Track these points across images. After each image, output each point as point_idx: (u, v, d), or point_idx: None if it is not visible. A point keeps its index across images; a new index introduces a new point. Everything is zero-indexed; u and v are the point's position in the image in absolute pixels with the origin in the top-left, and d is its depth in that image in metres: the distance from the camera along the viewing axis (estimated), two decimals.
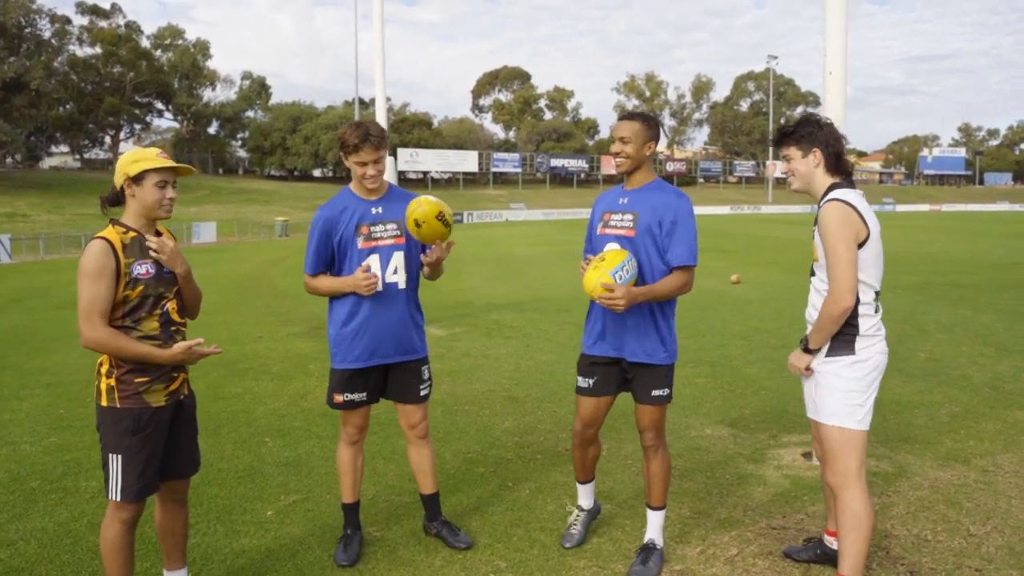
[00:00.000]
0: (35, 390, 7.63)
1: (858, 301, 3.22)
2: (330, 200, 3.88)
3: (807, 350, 3.34)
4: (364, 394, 3.92)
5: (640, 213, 3.63)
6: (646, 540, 3.85)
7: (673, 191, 3.68)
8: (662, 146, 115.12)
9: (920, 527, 4.15)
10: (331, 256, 3.82)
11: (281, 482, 4.97)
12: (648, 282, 3.61)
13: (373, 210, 3.82)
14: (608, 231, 3.72)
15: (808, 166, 3.36)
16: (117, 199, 3.17)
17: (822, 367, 3.32)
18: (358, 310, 3.80)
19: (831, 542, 3.72)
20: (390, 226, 3.83)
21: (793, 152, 3.39)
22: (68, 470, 5.23)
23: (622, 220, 3.68)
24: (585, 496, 4.17)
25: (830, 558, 3.69)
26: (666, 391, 3.75)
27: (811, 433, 3.79)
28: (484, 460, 5.35)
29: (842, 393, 3.26)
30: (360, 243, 3.78)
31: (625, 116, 3.68)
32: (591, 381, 3.83)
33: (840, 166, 3.35)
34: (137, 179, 3.09)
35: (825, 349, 3.30)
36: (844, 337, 3.26)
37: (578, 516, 4.13)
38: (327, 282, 3.82)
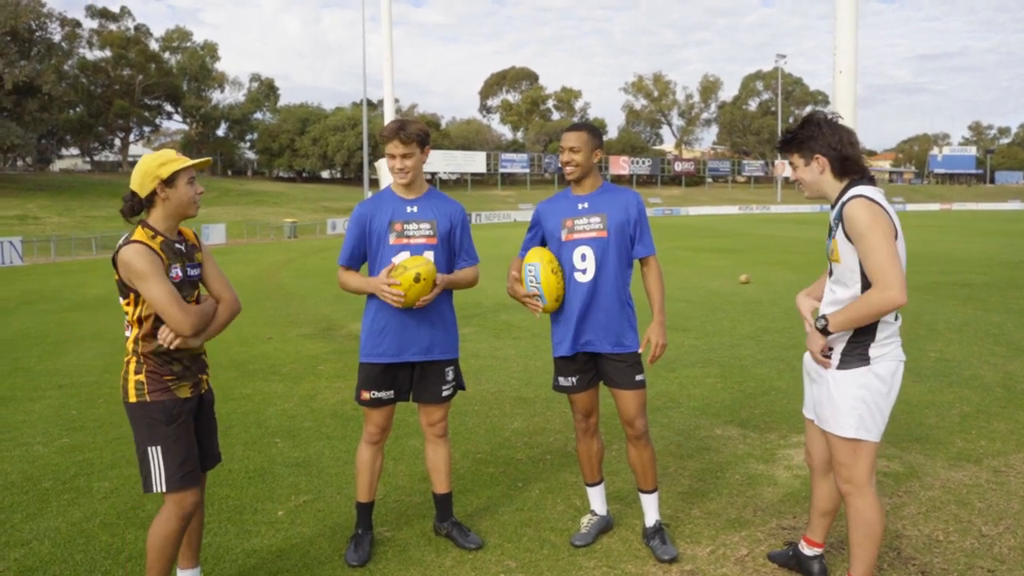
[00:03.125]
0: (47, 392, 7.68)
1: None
2: (371, 196, 4.00)
3: (825, 331, 3.13)
4: (391, 392, 3.94)
5: (608, 214, 3.86)
6: (653, 523, 3.99)
7: (628, 191, 3.98)
8: (670, 146, 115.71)
9: (932, 527, 4.13)
10: (364, 251, 3.90)
11: (291, 482, 4.99)
12: (612, 274, 3.85)
13: (408, 208, 3.89)
14: (576, 236, 3.88)
15: (813, 174, 3.20)
16: (138, 208, 3.16)
17: (834, 377, 3.17)
18: (391, 306, 3.82)
19: (805, 547, 3.64)
20: (424, 225, 3.88)
21: (796, 160, 3.23)
22: (80, 470, 5.26)
23: (589, 223, 3.87)
24: (597, 500, 4.19)
25: (802, 566, 3.63)
26: (643, 375, 3.92)
27: (805, 437, 3.69)
28: (494, 460, 5.36)
29: (860, 403, 3.11)
30: (392, 239, 3.84)
31: (572, 127, 3.91)
32: (574, 379, 3.98)
33: (848, 168, 3.15)
34: (169, 181, 3.12)
35: (837, 360, 3.16)
36: (857, 347, 3.12)
37: (591, 519, 4.15)
38: (356, 280, 3.89)
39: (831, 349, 3.19)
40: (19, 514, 4.56)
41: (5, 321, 13.07)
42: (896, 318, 3.14)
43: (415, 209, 3.90)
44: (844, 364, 3.15)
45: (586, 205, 3.90)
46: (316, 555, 3.97)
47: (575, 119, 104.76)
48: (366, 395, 3.92)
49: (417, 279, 3.68)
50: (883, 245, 2.94)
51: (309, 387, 7.61)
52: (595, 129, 3.96)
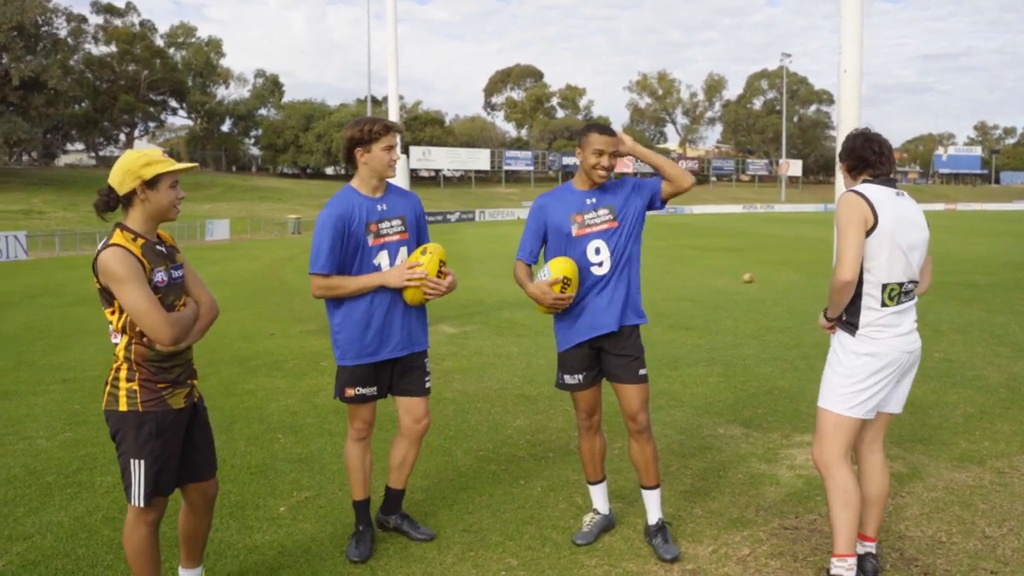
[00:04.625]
0: (51, 386, 7.69)
1: (861, 294, 3.34)
2: (335, 199, 3.87)
3: (825, 314, 3.52)
4: (375, 388, 3.93)
5: (615, 203, 3.92)
6: (656, 521, 3.98)
7: (625, 176, 4.10)
8: (675, 144, 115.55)
9: (935, 528, 4.12)
10: (341, 254, 3.81)
11: (293, 479, 4.99)
12: (627, 261, 3.90)
13: (378, 207, 3.88)
14: (588, 230, 3.90)
15: (843, 178, 3.61)
16: (114, 205, 3.04)
17: (835, 337, 3.49)
18: (371, 304, 3.82)
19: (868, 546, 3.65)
20: (395, 222, 3.90)
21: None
22: (83, 465, 5.27)
23: (599, 216, 3.91)
24: (599, 499, 4.18)
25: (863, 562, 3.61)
26: (646, 370, 3.96)
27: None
28: (496, 458, 5.36)
29: (839, 378, 3.40)
30: (371, 240, 3.82)
31: (605, 130, 3.88)
32: (580, 376, 3.98)
33: (861, 167, 3.47)
34: (152, 183, 3.01)
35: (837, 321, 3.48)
36: (848, 324, 3.41)
37: (593, 518, 4.14)
38: (356, 281, 3.78)
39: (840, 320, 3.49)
40: (22, 508, 4.56)
41: (9, 315, 13.10)
42: (884, 304, 3.34)
43: (384, 207, 3.89)
44: (841, 326, 3.47)
45: (594, 200, 3.92)
46: (318, 551, 3.98)
47: (580, 117, 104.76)
48: (351, 391, 3.90)
49: (424, 251, 3.80)
50: (847, 231, 3.27)
51: (312, 383, 7.61)
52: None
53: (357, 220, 3.80)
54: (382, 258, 3.84)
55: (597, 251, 3.87)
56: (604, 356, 3.95)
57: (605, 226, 3.88)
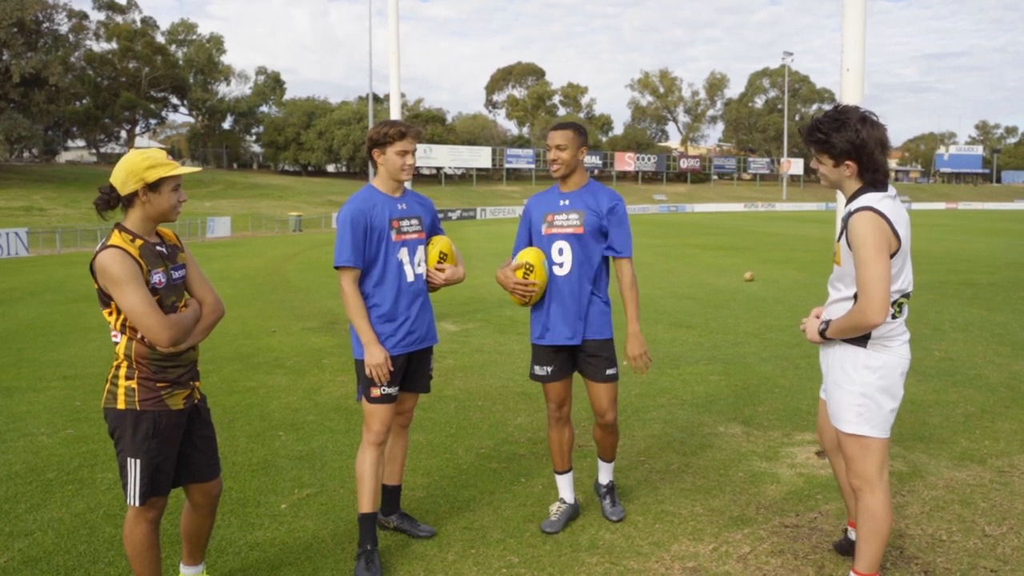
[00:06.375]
0: (52, 382, 7.70)
1: None
2: (356, 196, 3.91)
3: (823, 335, 3.26)
4: (397, 388, 3.92)
5: (586, 212, 4.02)
6: (607, 481, 4.34)
7: (610, 191, 4.11)
8: (676, 143, 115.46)
9: (935, 527, 4.13)
10: (365, 248, 3.84)
11: (295, 476, 5.00)
12: (588, 269, 4.02)
13: (399, 206, 3.95)
14: (555, 231, 4.06)
15: (839, 175, 3.19)
16: (114, 204, 3.03)
17: (836, 350, 3.25)
18: (399, 298, 3.86)
19: (851, 532, 3.73)
20: (413, 221, 3.98)
21: (825, 160, 3.20)
22: (84, 461, 5.28)
23: (567, 220, 4.04)
24: (566, 489, 4.29)
25: (853, 551, 3.64)
26: (615, 370, 4.13)
27: (817, 424, 3.81)
28: (497, 455, 5.36)
29: (854, 397, 3.19)
30: (394, 236, 3.88)
31: (558, 126, 4.07)
32: (549, 368, 4.13)
33: (873, 169, 3.12)
34: (154, 186, 3.00)
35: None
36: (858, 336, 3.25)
37: (560, 507, 4.23)
38: (361, 319, 3.77)
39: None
40: (23, 504, 4.57)
41: (11, 312, 13.11)
42: (894, 316, 3.18)
43: (404, 206, 3.96)
44: (846, 339, 3.23)
45: (567, 202, 4.08)
46: (319, 548, 3.98)
47: (581, 115, 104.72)
48: (376, 392, 3.83)
49: (429, 243, 4.04)
50: (874, 261, 2.99)
51: (313, 381, 7.62)
52: (581, 128, 4.12)
53: (379, 216, 3.84)
54: (403, 254, 3.90)
55: (560, 251, 4.03)
56: (576, 352, 4.12)
57: (571, 230, 4.02)
